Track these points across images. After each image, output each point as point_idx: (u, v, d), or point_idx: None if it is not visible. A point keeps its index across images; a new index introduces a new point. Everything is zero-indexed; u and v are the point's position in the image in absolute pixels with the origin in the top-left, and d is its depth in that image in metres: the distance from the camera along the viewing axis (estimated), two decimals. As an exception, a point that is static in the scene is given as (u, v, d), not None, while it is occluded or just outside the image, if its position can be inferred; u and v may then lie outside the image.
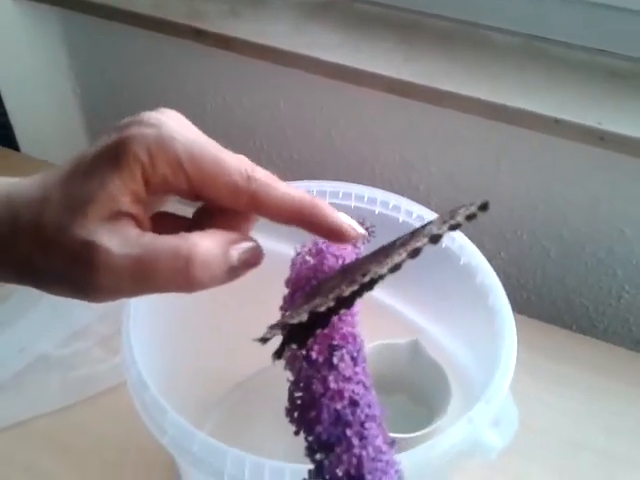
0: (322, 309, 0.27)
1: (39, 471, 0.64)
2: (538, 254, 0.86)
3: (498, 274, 0.54)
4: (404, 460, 0.40)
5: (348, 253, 0.35)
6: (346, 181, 0.60)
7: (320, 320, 0.28)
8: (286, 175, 0.33)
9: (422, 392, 0.64)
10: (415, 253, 0.28)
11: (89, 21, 0.92)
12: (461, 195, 0.85)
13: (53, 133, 1.02)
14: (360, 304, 0.30)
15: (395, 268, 0.28)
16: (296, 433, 0.30)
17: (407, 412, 0.66)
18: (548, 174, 0.80)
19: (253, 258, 0.30)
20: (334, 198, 0.58)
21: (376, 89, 0.78)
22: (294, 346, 0.28)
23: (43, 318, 0.74)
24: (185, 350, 0.61)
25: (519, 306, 0.52)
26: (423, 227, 0.30)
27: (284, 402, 0.31)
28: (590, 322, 0.87)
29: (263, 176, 0.30)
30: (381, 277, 0.27)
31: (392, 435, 0.53)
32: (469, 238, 0.56)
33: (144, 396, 0.44)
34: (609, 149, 0.71)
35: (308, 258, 0.34)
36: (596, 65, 0.77)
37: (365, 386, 0.30)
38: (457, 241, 0.55)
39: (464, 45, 0.81)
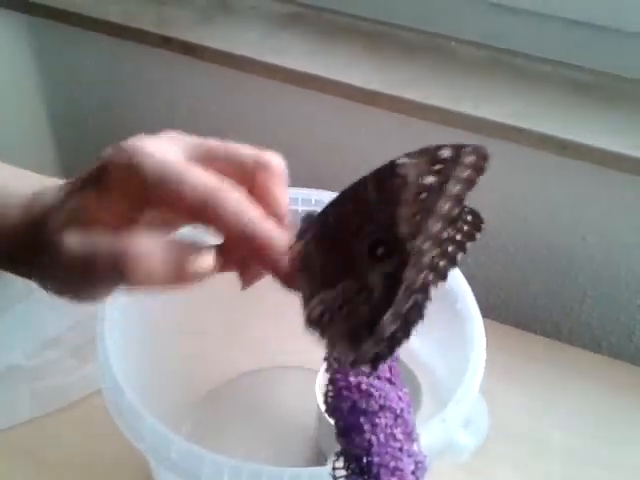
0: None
1: (10, 483, 0.64)
2: (504, 259, 0.87)
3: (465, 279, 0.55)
4: (379, 461, 0.41)
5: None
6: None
7: None
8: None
9: (393, 396, 0.65)
10: None
11: (57, 28, 0.92)
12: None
13: (20, 140, 1.01)
14: None
15: None
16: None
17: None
18: (511, 182, 0.81)
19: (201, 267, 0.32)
20: (307, 205, 0.58)
21: (344, 98, 0.79)
22: None
23: (13, 328, 0.73)
24: (157, 358, 0.61)
25: (485, 311, 0.53)
26: None
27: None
28: (554, 326, 0.89)
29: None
30: None
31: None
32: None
33: (120, 402, 0.43)
34: (571, 157, 0.73)
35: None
36: (560, 77, 0.79)
37: (390, 381, 0.35)
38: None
39: (430, 56, 0.82)
